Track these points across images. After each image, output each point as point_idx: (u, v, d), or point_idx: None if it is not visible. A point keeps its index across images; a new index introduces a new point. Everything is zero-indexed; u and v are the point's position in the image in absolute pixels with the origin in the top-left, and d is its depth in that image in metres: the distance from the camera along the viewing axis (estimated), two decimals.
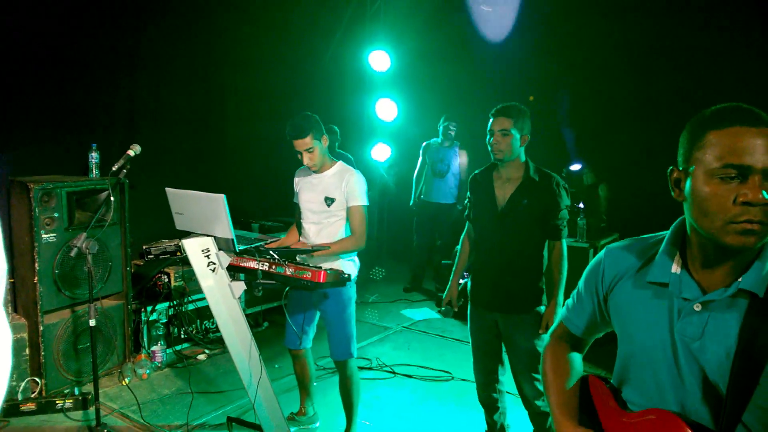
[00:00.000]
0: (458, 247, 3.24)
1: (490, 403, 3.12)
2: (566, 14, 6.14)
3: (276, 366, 4.44)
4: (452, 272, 3.22)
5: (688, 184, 1.19)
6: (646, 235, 1.40)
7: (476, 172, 3.07)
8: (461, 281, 3.26)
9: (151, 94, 5.22)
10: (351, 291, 3.21)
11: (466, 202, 3.15)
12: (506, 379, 3.11)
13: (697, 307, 1.21)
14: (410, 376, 4.38)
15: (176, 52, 5.32)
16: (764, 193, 1.08)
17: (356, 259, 3.27)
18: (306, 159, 3.09)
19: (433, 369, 4.48)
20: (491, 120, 2.83)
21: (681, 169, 1.22)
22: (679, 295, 1.24)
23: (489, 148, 2.83)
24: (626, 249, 1.40)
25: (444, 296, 3.22)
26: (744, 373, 1.14)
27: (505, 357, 3.05)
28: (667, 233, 1.31)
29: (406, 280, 6.82)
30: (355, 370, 3.30)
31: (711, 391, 1.20)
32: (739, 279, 1.17)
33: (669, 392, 1.26)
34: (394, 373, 4.43)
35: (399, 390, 4.19)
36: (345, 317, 3.19)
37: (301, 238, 3.31)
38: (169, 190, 2.79)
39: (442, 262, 6.24)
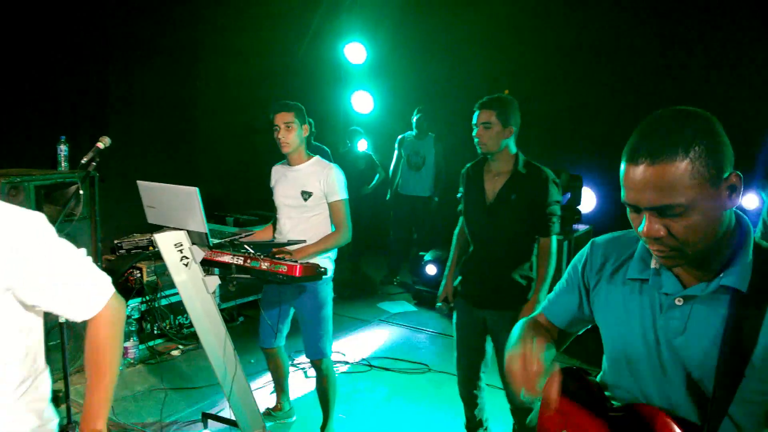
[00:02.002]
0: (453, 242, 3.17)
1: (470, 398, 3.10)
2: (545, 6, 6.18)
3: (251, 361, 4.40)
4: (447, 268, 3.15)
5: None
6: (628, 230, 1.39)
7: (468, 165, 3.00)
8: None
9: (122, 83, 5.11)
10: (328, 289, 3.18)
11: (458, 195, 3.07)
12: (487, 374, 3.10)
13: (679, 302, 1.21)
14: (387, 369, 4.38)
15: (148, 41, 5.20)
16: (652, 228, 1.10)
17: (332, 256, 3.24)
18: (282, 133, 3.04)
19: (409, 361, 4.49)
20: (476, 113, 2.77)
21: None
22: (659, 290, 1.24)
23: (475, 141, 2.79)
24: (610, 243, 1.40)
25: (439, 293, 3.16)
26: (729, 367, 1.14)
27: (488, 352, 3.03)
28: None
29: (383, 273, 6.82)
30: (331, 367, 3.28)
31: (695, 386, 1.21)
32: (721, 274, 1.17)
33: (653, 387, 1.27)
34: (370, 366, 4.43)
35: (376, 383, 4.18)
36: (321, 316, 3.14)
37: (275, 234, 3.26)
38: (140, 183, 2.72)
39: (419, 254, 6.24)
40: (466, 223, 3.01)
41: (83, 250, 1.45)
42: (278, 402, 3.58)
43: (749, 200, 4.35)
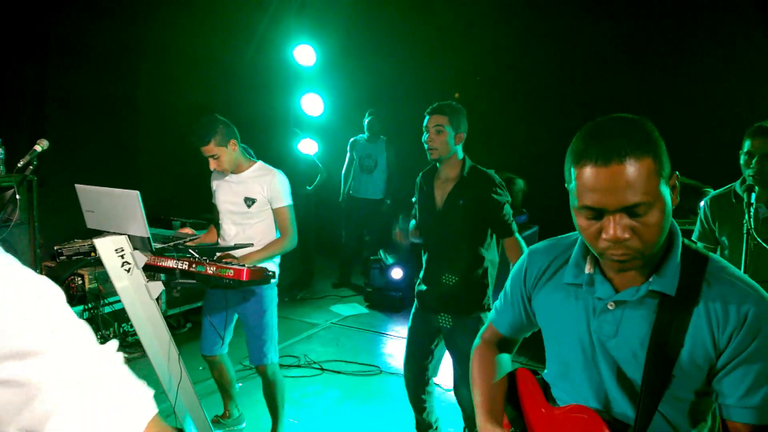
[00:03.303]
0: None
1: (418, 402, 3.10)
2: (495, 9, 6.29)
3: (200, 368, 4.30)
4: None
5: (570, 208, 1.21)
6: (565, 235, 1.43)
7: (421, 173, 3.01)
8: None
9: (60, 84, 4.92)
10: (272, 294, 3.12)
11: (413, 200, 3.07)
12: (438, 376, 3.12)
13: (611, 306, 1.25)
14: (338, 372, 4.37)
15: (88, 39, 5.03)
16: (620, 230, 1.10)
17: (277, 261, 3.20)
18: (212, 164, 2.97)
19: (361, 364, 4.48)
20: (426, 118, 2.78)
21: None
22: (593, 294, 1.27)
23: (425, 147, 2.79)
24: (547, 250, 1.43)
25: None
26: (657, 368, 1.18)
27: (437, 357, 3.04)
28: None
29: (334, 276, 6.80)
30: (277, 373, 3.22)
31: (627, 385, 1.25)
32: (650, 279, 1.20)
33: (588, 387, 1.31)
34: (322, 369, 4.41)
35: (327, 386, 4.16)
36: (264, 321, 3.09)
37: (219, 239, 3.19)
38: (78, 187, 2.64)
39: (371, 258, 6.25)
40: (419, 230, 3.02)
41: None
42: (226, 409, 3.51)
43: None
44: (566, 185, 1.20)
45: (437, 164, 2.87)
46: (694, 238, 2.83)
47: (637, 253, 1.12)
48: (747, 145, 2.57)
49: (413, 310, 3.04)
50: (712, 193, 2.85)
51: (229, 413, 3.50)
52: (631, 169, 1.07)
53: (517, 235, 2.82)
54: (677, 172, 1.15)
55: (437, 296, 2.87)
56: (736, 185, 2.69)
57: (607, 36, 5.72)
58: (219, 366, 3.33)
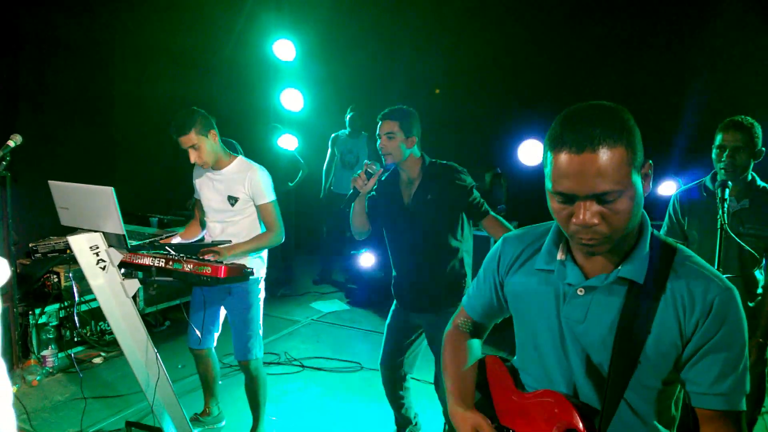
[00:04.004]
0: None
1: (396, 400, 3.11)
2: (475, 4, 6.31)
3: (179, 366, 4.28)
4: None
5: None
6: (538, 224, 1.45)
7: (382, 179, 3.00)
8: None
9: (34, 78, 4.82)
10: (257, 289, 3.13)
11: (372, 192, 3.02)
12: (416, 371, 3.12)
13: (581, 292, 1.27)
14: (319, 369, 4.36)
15: (63, 32, 4.94)
16: (589, 215, 1.12)
17: (264, 256, 3.19)
18: (193, 156, 2.94)
19: (342, 360, 4.48)
20: (378, 124, 2.81)
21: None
22: (564, 280, 1.29)
23: (379, 152, 2.82)
24: (521, 237, 1.45)
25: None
26: (624, 354, 1.20)
27: (414, 354, 3.04)
28: (554, 222, 1.35)
29: (315, 273, 6.78)
30: (260, 369, 3.22)
31: (595, 371, 1.27)
32: (620, 266, 1.22)
33: (557, 372, 1.32)
34: (302, 366, 4.39)
35: (308, 383, 4.15)
36: (249, 316, 3.09)
37: (205, 235, 3.20)
38: (52, 183, 2.59)
39: (352, 252, 6.23)
40: (387, 238, 3.00)
41: None
42: (206, 406, 3.49)
43: (667, 187, 4.49)
44: (543, 168, 1.22)
45: (398, 167, 2.87)
46: (662, 233, 2.88)
47: (604, 238, 1.14)
48: (719, 138, 2.62)
49: (394, 307, 3.04)
50: (682, 187, 2.89)
51: (209, 411, 3.48)
52: (604, 157, 1.08)
53: (492, 213, 2.87)
54: (650, 161, 1.18)
55: (418, 296, 2.87)
56: (707, 180, 2.74)
57: (584, 35, 5.78)
58: (205, 360, 3.31)
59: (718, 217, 2.36)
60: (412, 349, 3.02)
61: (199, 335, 3.16)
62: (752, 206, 2.60)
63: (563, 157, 1.11)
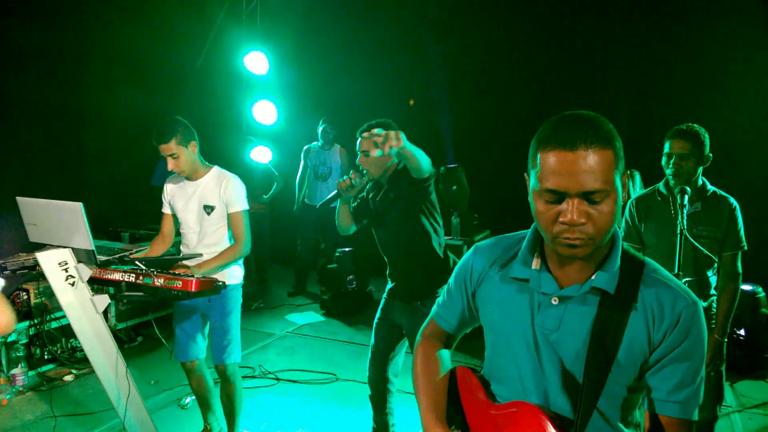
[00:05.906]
0: None
1: (379, 402, 3.12)
2: (448, 15, 6.39)
3: (152, 382, 4.23)
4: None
5: (529, 194, 1.26)
6: (511, 233, 1.47)
7: (369, 196, 3.04)
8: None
9: None
10: (237, 296, 3.14)
11: (358, 200, 3.08)
12: (399, 379, 3.14)
13: (555, 301, 1.29)
14: (294, 381, 4.34)
15: (29, 40, 4.85)
16: (577, 214, 1.16)
17: (241, 263, 3.20)
18: (171, 164, 2.96)
19: (317, 372, 4.47)
20: (359, 140, 2.83)
21: (527, 177, 1.29)
22: (538, 290, 1.31)
23: (359, 168, 2.83)
24: (492, 246, 1.47)
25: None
26: (597, 364, 1.23)
27: (400, 356, 3.08)
28: (529, 232, 1.39)
29: (290, 285, 6.76)
30: (237, 374, 3.20)
31: (569, 380, 1.29)
32: (593, 276, 1.26)
33: (531, 382, 1.33)
34: (277, 379, 4.38)
35: (282, 396, 4.13)
36: (228, 322, 3.09)
37: (182, 247, 3.18)
38: (20, 200, 2.57)
39: (328, 267, 6.23)
40: (376, 236, 3.05)
41: None
42: (206, 423, 3.40)
43: None
44: (527, 171, 1.25)
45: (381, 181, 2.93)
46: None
47: (588, 239, 1.18)
48: (667, 146, 2.75)
49: (384, 302, 3.07)
50: (638, 193, 3.00)
51: (210, 427, 3.40)
52: (596, 156, 1.13)
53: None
54: (628, 171, 1.23)
55: (410, 287, 2.93)
56: (660, 185, 2.86)
57: (560, 44, 5.90)
58: (196, 373, 3.25)
59: (678, 222, 2.44)
60: (399, 350, 3.06)
61: (188, 347, 3.14)
62: (704, 209, 2.73)
63: (555, 154, 1.15)
